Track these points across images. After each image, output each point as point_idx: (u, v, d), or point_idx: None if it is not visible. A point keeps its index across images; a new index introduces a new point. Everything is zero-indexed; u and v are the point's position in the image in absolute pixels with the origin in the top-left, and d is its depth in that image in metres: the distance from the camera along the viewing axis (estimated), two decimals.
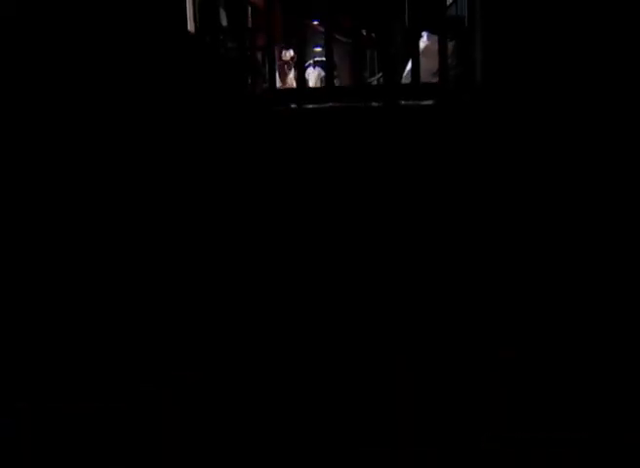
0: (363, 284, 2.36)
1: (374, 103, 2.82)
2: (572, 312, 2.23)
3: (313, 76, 9.40)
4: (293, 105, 2.79)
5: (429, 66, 3.75)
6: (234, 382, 1.98)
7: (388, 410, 1.85)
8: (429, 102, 2.84)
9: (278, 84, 3.36)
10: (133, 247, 2.31)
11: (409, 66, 4.30)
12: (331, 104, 2.81)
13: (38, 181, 2.34)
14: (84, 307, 2.24)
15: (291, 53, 8.06)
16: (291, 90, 3.14)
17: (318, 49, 9.04)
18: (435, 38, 3.99)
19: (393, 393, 1.87)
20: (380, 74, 7.87)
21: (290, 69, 8.23)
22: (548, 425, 1.93)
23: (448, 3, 4.47)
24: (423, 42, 3.98)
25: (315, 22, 8.11)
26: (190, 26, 3.84)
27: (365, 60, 6.07)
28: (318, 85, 9.00)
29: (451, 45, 3.50)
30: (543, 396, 2.02)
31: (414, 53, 3.08)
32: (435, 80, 3.96)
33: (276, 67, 3.44)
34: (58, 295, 2.26)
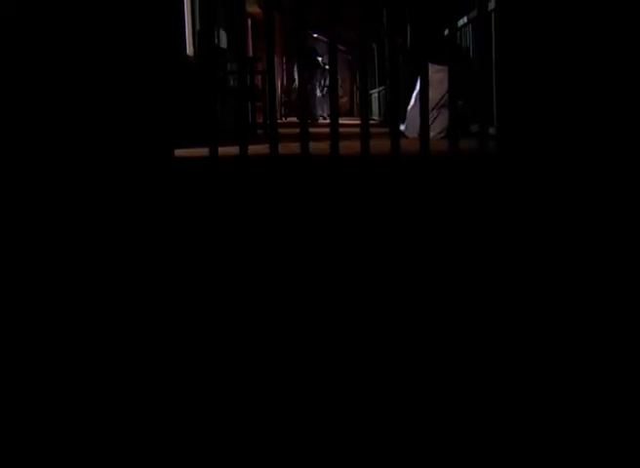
0: (364, 287, 2.37)
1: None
2: (572, 314, 2.24)
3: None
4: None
5: (433, 96, 3.79)
6: (234, 382, 1.98)
7: (388, 412, 1.85)
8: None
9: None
10: (133, 249, 2.32)
11: (416, 91, 4.34)
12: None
13: (34, 181, 2.36)
14: (84, 307, 2.25)
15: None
16: (294, 156, 3.13)
17: (319, 58, 9.19)
18: (437, 67, 4.04)
19: (393, 394, 1.87)
20: (383, 87, 7.95)
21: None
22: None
23: (446, 33, 4.52)
24: None
25: (315, 35, 8.21)
26: (189, 50, 3.87)
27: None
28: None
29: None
30: (544, 397, 2.02)
31: (423, 116, 3.04)
32: (440, 107, 4.00)
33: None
34: (58, 295, 2.27)
